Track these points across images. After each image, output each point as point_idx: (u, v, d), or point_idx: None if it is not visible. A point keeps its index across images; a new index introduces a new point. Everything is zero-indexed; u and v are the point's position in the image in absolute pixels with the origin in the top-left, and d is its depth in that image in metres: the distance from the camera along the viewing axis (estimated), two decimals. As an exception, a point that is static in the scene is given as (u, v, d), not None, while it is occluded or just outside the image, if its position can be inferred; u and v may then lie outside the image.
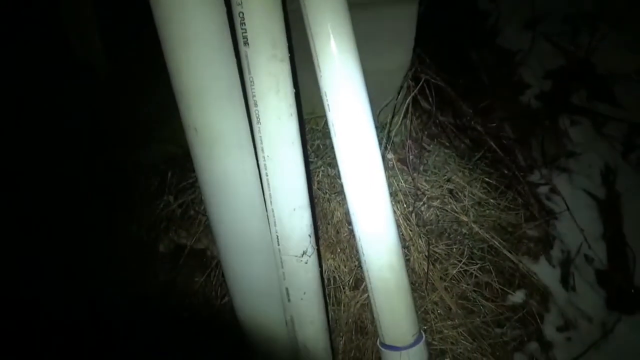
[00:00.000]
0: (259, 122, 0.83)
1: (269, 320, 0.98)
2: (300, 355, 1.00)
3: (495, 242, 1.27)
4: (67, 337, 1.20)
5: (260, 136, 0.84)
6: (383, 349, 0.97)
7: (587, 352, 1.14)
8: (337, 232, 1.33)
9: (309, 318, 0.96)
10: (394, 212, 1.23)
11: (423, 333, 0.98)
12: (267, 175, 0.87)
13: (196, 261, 1.31)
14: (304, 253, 0.92)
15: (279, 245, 0.92)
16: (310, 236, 0.93)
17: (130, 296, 1.27)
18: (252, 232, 0.91)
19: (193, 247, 1.32)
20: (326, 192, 1.36)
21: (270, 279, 0.95)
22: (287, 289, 0.95)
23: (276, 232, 0.91)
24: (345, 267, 1.29)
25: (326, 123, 0.93)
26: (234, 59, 0.81)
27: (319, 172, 1.38)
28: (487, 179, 1.38)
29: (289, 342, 1.00)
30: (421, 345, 0.95)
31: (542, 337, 1.19)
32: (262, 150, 0.85)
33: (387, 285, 0.93)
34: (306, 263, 0.92)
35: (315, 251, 0.94)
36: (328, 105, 0.87)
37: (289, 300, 0.95)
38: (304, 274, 0.93)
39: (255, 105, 0.82)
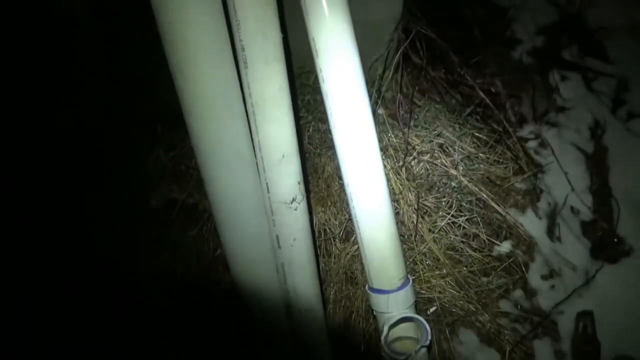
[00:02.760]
0: (246, 67, 0.83)
1: (261, 268, 1.00)
2: (292, 301, 1.02)
3: (484, 195, 1.29)
4: (62, 295, 1.23)
5: (248, 82, 0.84)
6: (371, 293, 0.99)
7: (570, 298, 1.18)
8: (328, 186, 1.34)
9: (300, 264, 0.99)
10: (384, 166, 1.24)
11: (410, 278, 1.01)
12: (255, 122, 0.87)
13: (188, 215, 1.33)
14: (294, 200, 0.93)
15: (268, 192, 0.93)
16: (299, 183, 0.94)
17: (123, 252, 1.29)
18: (243, 182, 0.92)
19: (185, 202, 1.33)
20: (317, 147, 1.36)
21: (261, 228, 0.96)
22: (277, 236, 0.96)
23: (266, 180, 0.92)
24: (335, 220, 1.31)
25: (316, 78, 0.93)
26: (221, 7, 0.80)
27: (310, 127, 1.39)
28: (477, 134, 1.39)
29: (280, 290, 1.03)
30: (408, 289, 0.98)
31: (527, 285, 1.23)
32: (250, 96, 0.85)
33: (376, 233, 0.95)
34: (295, 210, 0.94)
35: (305, 198, 0.96)
36: (316, 50, 0.87)
37: (279, 246, 0.97)
38: (293, 221, 0.95)
39: (243, 50, 0.82)
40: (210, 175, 0.88)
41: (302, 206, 0.95)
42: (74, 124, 1.29)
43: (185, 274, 1.31)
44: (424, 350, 1.00)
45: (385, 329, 0.96)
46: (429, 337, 0.97)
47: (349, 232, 1.32)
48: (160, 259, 1.31)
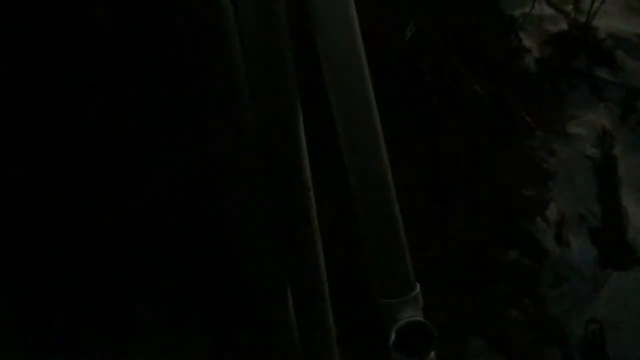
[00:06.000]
0: None
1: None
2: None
3: (492, 204, 1.31)
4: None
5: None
6: (378, 297, 1.01)
7: (578, 305, 1.19)
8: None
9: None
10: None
11: (417, 283, 1.03)
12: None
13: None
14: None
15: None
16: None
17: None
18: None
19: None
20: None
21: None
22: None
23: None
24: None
25: None
26: None
27: None
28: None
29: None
30: (416, 293, 1.00)
31: (536, 293, 1.24)
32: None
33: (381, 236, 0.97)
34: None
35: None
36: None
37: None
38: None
39: None
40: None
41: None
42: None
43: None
44: (432, 355, 1.01)
45: (393, 333, 0.98)
46: (436, 343, 0.99)
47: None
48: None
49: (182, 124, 0.71)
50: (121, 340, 1.18)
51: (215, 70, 0.62)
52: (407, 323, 1.01)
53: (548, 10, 1.71)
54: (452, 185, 1.37)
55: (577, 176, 1.36)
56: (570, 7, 1.69)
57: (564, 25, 1.68)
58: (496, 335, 1.21)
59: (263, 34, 0.63)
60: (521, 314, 1.23)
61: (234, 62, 0.61)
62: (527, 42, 1.64)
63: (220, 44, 0.60)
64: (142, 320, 1.13)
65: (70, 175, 0.73)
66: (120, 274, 0.93)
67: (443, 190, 1.33)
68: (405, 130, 1.42)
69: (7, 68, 0.65)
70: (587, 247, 1.28)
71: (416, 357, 0.98)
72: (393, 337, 1.00)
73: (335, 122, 0.79)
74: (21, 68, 0.66)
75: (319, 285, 0.84)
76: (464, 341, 1.22)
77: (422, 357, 0.96)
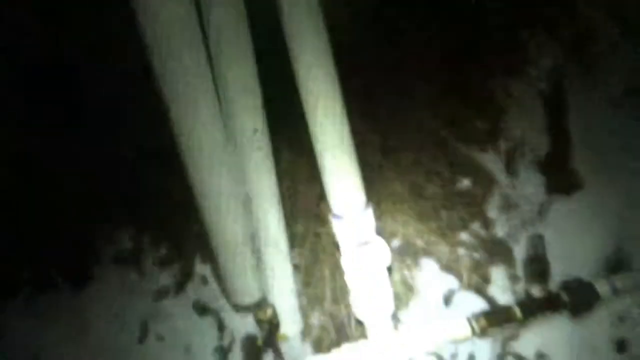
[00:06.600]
0: None
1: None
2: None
3: (446, 133, 1.35)
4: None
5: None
6: (334, 219, 1.05)
7: (524, 227, 1.25)
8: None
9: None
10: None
11: (370, 204, 1.06)
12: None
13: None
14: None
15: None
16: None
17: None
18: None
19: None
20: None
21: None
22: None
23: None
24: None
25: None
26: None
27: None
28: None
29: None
30: (368, 214, 1.04)
31: (485, 217, 1.30)
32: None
33: (335, 160, 1.00)
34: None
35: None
36: None
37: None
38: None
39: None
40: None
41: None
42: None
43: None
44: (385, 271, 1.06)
45: (347, 251, 1.02)
46: (389, 260, 1.03)
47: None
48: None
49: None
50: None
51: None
52: (360, 242, 1.05)
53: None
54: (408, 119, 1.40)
55: (528, 109, 1.40)
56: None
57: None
58: (447, 257, 1.27)
59: None
60: (470, 238, 1.29)
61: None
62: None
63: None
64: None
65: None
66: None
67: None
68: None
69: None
70: (535, 175, 1.34)
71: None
72: (348, 254, 1.04)
73: None
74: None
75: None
76: (416, 263, 1.27)
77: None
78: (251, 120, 1.01)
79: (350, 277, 1.06)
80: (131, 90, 1.30)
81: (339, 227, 1.05)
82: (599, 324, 1.17)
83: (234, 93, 1.00)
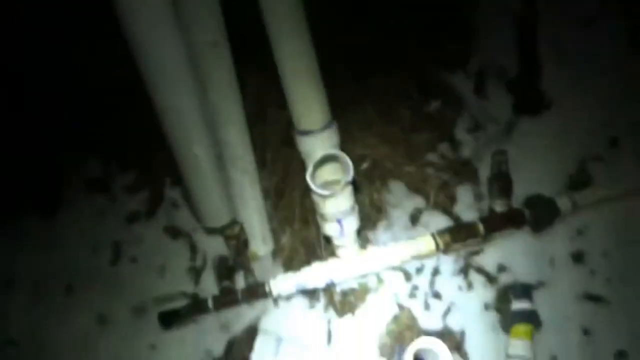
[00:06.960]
0: None
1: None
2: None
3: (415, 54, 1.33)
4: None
5: None
6: (299, 136, 1.05)
7: (490, 146, 1.27)
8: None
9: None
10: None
11: (333, 121, 1.06)
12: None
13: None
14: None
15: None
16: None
17: None
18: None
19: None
20: None
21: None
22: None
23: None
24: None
25: None
26: None
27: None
28: None
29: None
30: (331, 129, 1.04)
31: (453, 139, 1.31)
32: None
33: (300, 73, 0.99)
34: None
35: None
36: None
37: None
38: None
39: None
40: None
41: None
42: None
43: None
44: (349, 187, 1.07)
45: (311, 166, 1.02)
46: (352, 173, 1.04)
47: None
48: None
49: None
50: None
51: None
52: (323, 156, 1.05)
53: None
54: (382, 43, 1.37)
55: (499, 30, 1.38)
56: None
57: None
58: (414, 178, 1.28)
59: None
60: (438, 159, 1.30)
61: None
62: None
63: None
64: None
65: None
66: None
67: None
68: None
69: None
70: (504, 96, 1.34)
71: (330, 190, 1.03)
72: (311, 169, 1.05)
73: None
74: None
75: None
76: (385, 185, 1.29)
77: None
78: (210, 33, 0.98)
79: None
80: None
81: (303, 144, 1.05)
82: (558, 238, 1.21)
83: (192, 5, 0.97)
